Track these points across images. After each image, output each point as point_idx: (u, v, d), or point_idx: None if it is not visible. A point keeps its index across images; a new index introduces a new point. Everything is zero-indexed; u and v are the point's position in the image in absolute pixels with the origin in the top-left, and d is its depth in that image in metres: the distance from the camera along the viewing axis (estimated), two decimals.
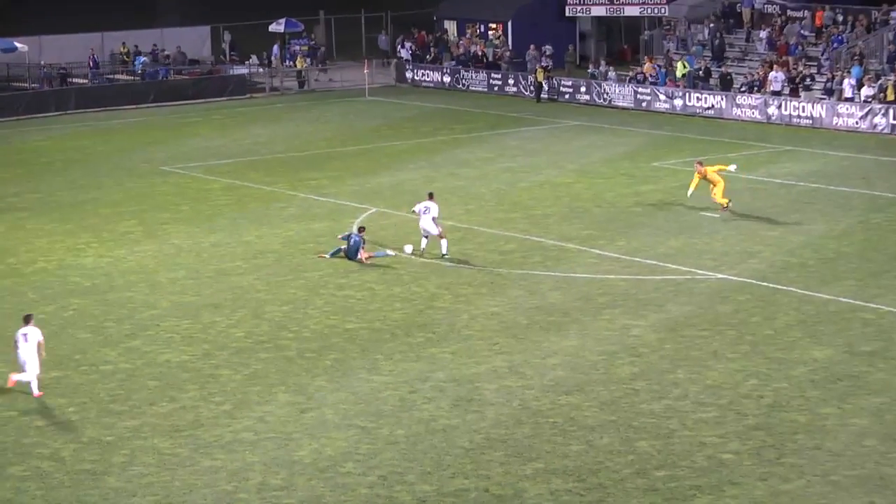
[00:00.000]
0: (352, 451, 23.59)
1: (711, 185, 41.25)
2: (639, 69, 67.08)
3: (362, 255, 36.40)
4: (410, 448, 23.68)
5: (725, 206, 41.18)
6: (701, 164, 42.10)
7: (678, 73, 64.18)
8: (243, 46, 79.47)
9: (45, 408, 26.07)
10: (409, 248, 37.20)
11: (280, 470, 22.88)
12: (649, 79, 65.48)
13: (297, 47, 78.57)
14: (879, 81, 57.77)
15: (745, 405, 25.35)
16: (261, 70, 76.27)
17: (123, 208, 44.26)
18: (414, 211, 37.17)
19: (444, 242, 36.61)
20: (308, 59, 77.35)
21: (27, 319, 27.30)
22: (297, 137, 58.92)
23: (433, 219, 36.55)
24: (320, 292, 33.81)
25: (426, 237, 36.80)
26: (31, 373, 26.76)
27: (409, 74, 76.33)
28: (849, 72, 59.55)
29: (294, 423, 25.03)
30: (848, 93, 58.33)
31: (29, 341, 26.80)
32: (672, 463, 22.73)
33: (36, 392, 26.74)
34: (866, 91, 57.73)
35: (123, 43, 75.51)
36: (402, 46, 77.71)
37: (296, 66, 76.82)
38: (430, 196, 37.49)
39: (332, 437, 24.25)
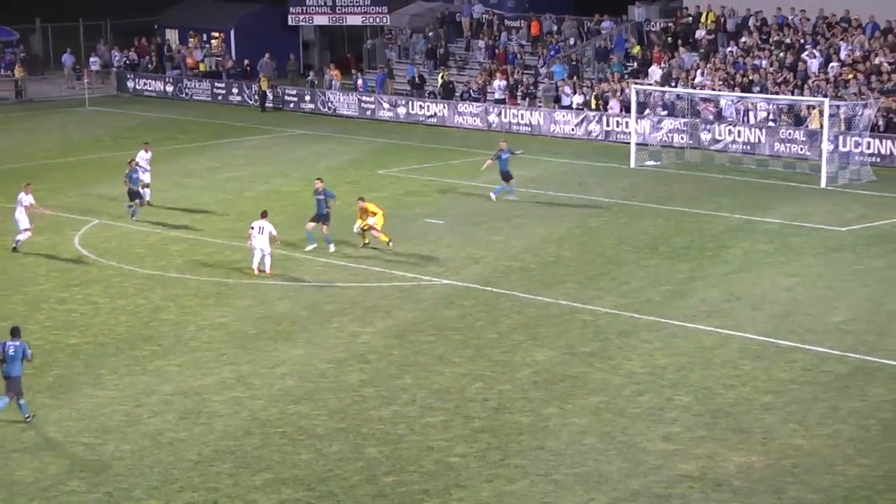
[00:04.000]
0: (76, 469, 23.13)
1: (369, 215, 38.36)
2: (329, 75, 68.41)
3: None
4: (137, 463, 23.36)
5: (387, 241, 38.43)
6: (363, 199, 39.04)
7: (440, 81, 64.87)
8: None
9: None
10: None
11: (0, 491, 22.27)
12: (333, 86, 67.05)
13: (10, 56, 76.34)
14: (594, 90, 59.60)
15: (471, 408, 25.82)
16: None
17: None
18: None
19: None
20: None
21: (263, 214, 35.78)
22: (15, 149, 57.24)
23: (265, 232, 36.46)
24: (41, 307, 33.04)
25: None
26: (262, 256, 35.57)
27: (130, 84, 75.09)
28: (562, 81, 61.20)
29: (14, 441, 24.39)
30: (565, 101, 59.98)
31: (263, 233, 35.32)
32: (401, 468, 23.01)
33: (268, 270, 35.65)
34: (578, 99, 59.54)
35: None
36: (96, 55, 76.18)
37: (13, 74, 74.63)
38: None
39: (56, 455, 23.74)
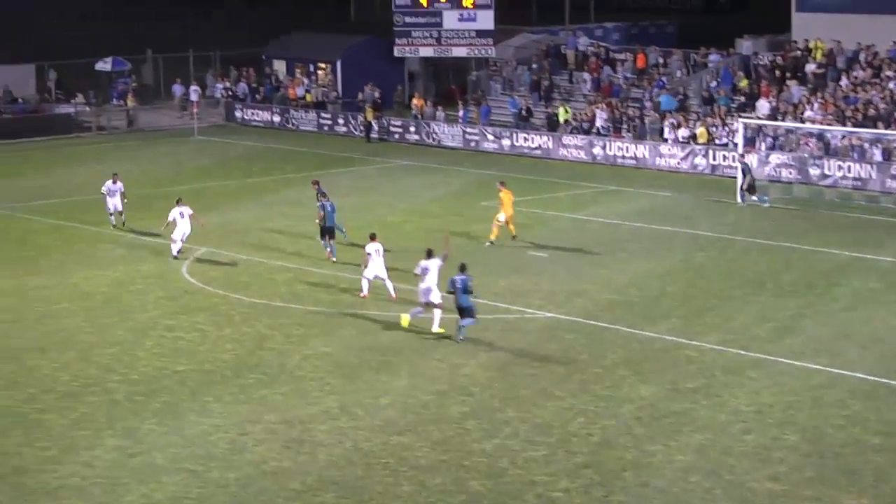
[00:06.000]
0: (181, 496, 23.30)
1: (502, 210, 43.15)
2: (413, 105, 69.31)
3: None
4: (241, 491, 23.47)
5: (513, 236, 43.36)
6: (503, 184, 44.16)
7: (561, 119, 64.41)
8: (69, 85, 77.99)
9: None
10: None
11: None
12: (420, 115, 67.89)
13: (123, 86, 77.41)
14: (698, 123, 59.12)
15: (573, 443, 25.65)
16: (87, 109, 74.97)
17: None
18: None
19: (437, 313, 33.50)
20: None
21: (373, 237, 36.28)
22: (126, 177, 57.54)
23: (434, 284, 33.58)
24: (149, 334, 33.42)
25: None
26: (382, 281, 36.15)
27: (238, 114, 75.89)
28: (668, 113, 60.79)
29: (122, 467, 24.64)
30: (667, 133, 59.56)
31: (381, 255, 35.88)
32: (503, 502, 22.89)
33: (393, 295, 35.91)
34: (684, 132, 59.08)
35: None
36: (197, 85, 76.90)
37: (125, 104, 75.67)
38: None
39: (162, 482, 23.93)
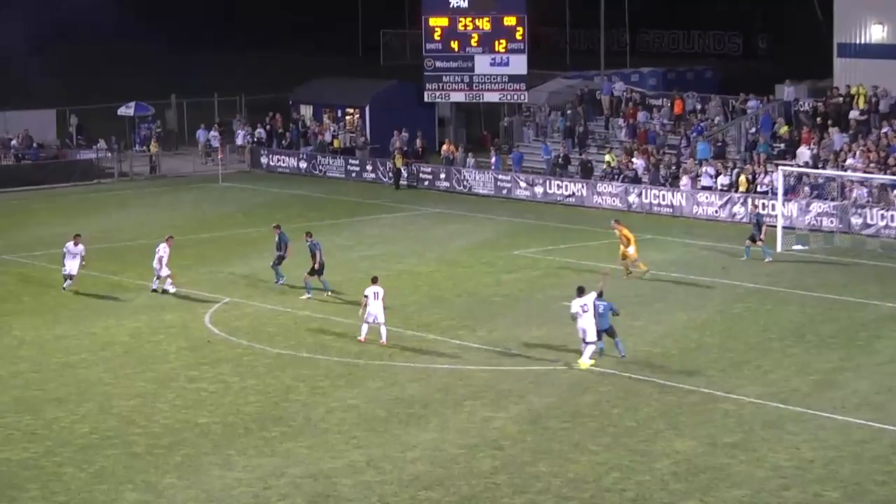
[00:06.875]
0: None
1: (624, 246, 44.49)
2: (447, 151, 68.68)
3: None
4: None
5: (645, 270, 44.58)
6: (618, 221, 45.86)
7: (607, 162, 63.79)
8: (91, 130, 77.55)
9: None
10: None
11: None
12: (456, 161, 67.35)
13: (146, 131, 77.02)
14: (735, 170, 58.40)
15: (607, 498, 25.10)
16: (109, 155, 74.41)
17: None
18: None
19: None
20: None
21: (374, 280, 36.48)
22: (147, 224, 57.30)
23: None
24: (171, 385, 32.93)
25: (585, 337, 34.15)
26: (379, 325, 36.00)
27: (264, 160, 75.41)
28: (704, 161, 60.07)
29: None
30: (706, 181, 58.78)
31: (378, 298, 35.73)
32: None
33: (384, 340, 36.02)
34: (723, 180, 58.31)
35: None
36: (217, 131, 76.54)
37: (148, 150, 75.23)
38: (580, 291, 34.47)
39: None
